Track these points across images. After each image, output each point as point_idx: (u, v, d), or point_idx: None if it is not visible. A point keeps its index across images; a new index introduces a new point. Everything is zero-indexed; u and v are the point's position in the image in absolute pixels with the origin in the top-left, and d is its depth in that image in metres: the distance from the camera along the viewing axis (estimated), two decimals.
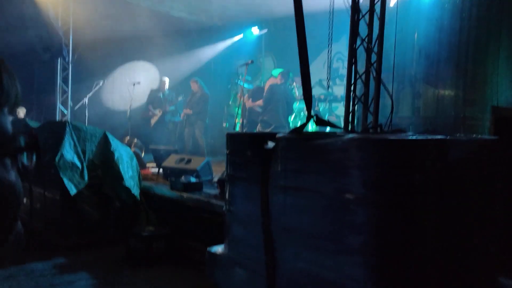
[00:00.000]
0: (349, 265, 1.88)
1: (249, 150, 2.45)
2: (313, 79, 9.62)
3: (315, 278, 2.00)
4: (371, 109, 4.39)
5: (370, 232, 1.82)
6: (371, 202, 1.81)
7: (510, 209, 1.97)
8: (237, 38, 11.71)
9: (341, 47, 8.76)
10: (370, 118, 4.42)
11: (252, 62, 6.85)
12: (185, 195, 5.06)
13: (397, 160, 1.79)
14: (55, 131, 5.11)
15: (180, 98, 9.42)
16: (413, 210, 1.78)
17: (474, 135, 2.19)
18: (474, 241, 2.00)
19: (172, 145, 8.09)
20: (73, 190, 4.81)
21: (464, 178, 1.90)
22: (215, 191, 5.19)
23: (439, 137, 1.88)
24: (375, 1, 4.18)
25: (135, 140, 7.78)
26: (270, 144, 2.32)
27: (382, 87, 4.28)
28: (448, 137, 1.88)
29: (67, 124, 5.07)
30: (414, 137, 1.91)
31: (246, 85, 8.46)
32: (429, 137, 1.91)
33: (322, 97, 9.02)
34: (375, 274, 1.84)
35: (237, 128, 7.46)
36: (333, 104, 9.23)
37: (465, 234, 1.94)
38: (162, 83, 9.44)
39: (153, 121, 9.15)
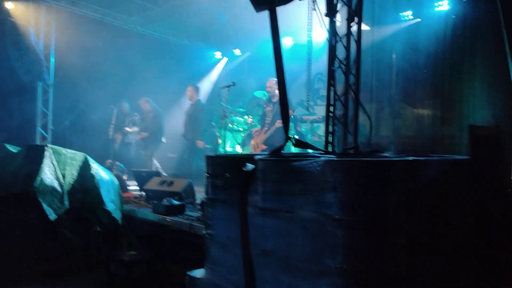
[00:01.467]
0: (327, 286, 1.89)
1: (228, 173, 2.46)
2: (295, 99, 9.68)
3: None
4: (351, 129, 4.45)
5: (347, 253, 1.84)
6: (346, 223, 1.83)
7: (483, 228, 2.01)
8: (220, 59, 11.88)
9: (322, 68, 8.90)
10: (350, 138, 4.48)
11: (233, 84, 6.91)
12: (167, 218, 5.03)
13: (370, 181, 1.82)
14: (34, 155, 5.05)
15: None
16: (386, 230, 1.80)
17: (446, 155, 2.25)
18: (449, 258, 2.03)
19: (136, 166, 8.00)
20: (52, 215, 4.74)
21: (436, 197, 1.94)
22: (197, 213, 5.16)
23: (410, 158, 1.92)
24: (351, 25, 4.28)
25: (117, 163, 7.73)
26: (249, 167, 2.34)
27: (360, 108, 4.35)
28: (420, 158, 1.93)
29: (46, 148, 5.02)
30: (387, 158, 1.95)
31: (228, 106, 8.50)
32: (402, 157, 1.95)
33: (304, 117, 9.12)
34: None
35: (220, 149, 7.48)
36: (315, 125, 9.31)
37: (440, 251, 1.97)
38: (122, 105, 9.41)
39: (117, 142, 9.12)
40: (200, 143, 8.49)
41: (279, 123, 7.24)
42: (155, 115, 9.12)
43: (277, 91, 7.26)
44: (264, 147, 7.40)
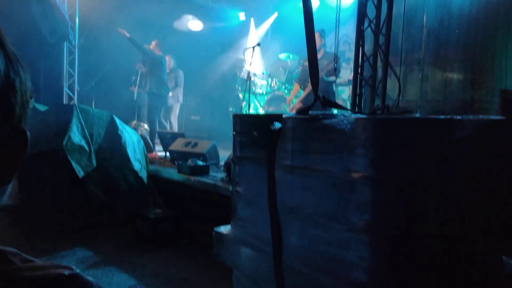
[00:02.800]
0: (354, 243, 1.90)
1: (255, 131, 2.46)
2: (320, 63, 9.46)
3: (320, 256, 2.02)
4: (378, 91, 4.37)
5: (375, 211, 1.83)
6: (376, 181, 1.82)
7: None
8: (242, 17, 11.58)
9: (348, 30, 8.69)
10: (377, 101, 4.40)
11: (259, 44, 6.81)
12: (192, 178, 5.10)
13: (403, 139, 1.79)
14: (62, 114, 5.15)
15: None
16: (418, 189, 1.79)
17: (481, 116, 2.19)
18: (478, 219, 2.00)
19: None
20: (81, 173, 4.86)
21: (469, 157, 1.90)
22: (221, 174, 5.22)
23: (444, 116, 1.88)
24: None
25: (142, 124, 7.82)
26: (277, 125, 2.32)
27: (389, 70, 4.25)
28: (453, 117, 1.88)
29: (74, 107, 5.10)
30: (420, 117, 1.91)
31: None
32: (435, 116, 1.91)
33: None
34: (380, 253, 1.86)
35: (244, 112, 7.47)
36: (340, 88, 9.18)
37: (470, 212, 1.95)
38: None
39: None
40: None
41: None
42: (176, 75, 9.13)
43: (320, 47, 6.82)
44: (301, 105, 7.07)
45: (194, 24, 11.09)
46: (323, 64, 6.78)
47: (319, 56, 6.92)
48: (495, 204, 2.12)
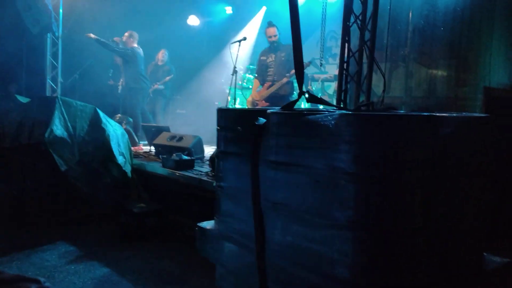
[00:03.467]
0: (338, 239, 1.90)
1: (240, 126, 2.44)
2: (307, 58, 9.49)
3: (304, 252, 2.02)
4: (364, 87, 4.39)
5: (359, 207, 1.84)
6: (360, 177, 1.82)
7: (497, 186, 1.99)
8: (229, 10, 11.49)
9: (335, 25, 8.69)
10: (363, 97, 4.42)
11: (244, 39, 6.77)
12: (176, 172, 5.07)
13: (387, 135, 1.79)
14: (44, 107, 5.06)
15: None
16: (402, 185, 1.79)
17: (465, 113, 2.20)
18: (461, 216, 2.02)
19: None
20: (63, 167, 4.80)
21: (453, 154, 1.91)
22: (206, 169, 5.20)
23: (428, 113, 1.88)
24: None
25: (127, 117, 7.73)
26: (261, 120, 2.31)
27: (375, 66, 4.26)
28: (438, 113, 1.89)
29: (57, 99, 5.02)
30: (404, 113, 1.91)
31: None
32: (420, 113, 1.92)
33: (316, 76, 8.98)
34: (362, 249, 1.86)
35: (230, 106, 7.43)
36: (326, 83, 9.19)
37: (453, 209, 1.96)
38: (159, 53, 9.22)
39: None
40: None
41: (287, 78, 6.64)
42: (169, 69, 9.09)
43: (277, 38, 6.65)
44: (265, 104, 6.81)
45: (193, 20, 11.05)
46: (280, 56, 6.67)
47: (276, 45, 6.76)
48: (478, 200, 2.14)
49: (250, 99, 7.22)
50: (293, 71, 6.38)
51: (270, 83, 6.82)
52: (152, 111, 8.83)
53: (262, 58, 7.02)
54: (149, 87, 8.27)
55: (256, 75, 7.23)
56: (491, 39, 5.65)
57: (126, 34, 7.85)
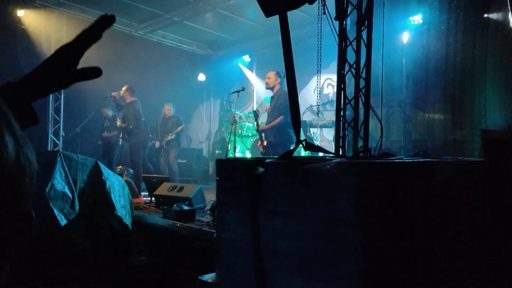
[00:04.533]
0: None
1: (239, 176, 2.45)
2: (305, 105, 9.59)
3: None
4: (362, 133, 4.43)
5: (360, 256, 1.81)
6: (360, 225, 1.81)
7: (496, 230, 1.98)
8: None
9: (332, 73, 8.90)
10: (361, 143, 4.45)
11: (243, 89, 6.91)
12: (177, 223, 5.02)
13: (384, 183, 1.80)
14: (46, 161, 5.09)
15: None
16: (401, 233, 1.78)
17: (461, 158, 2.22)
18: (463, 261, 1.99)
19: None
20: (63, 221, 4.76)
21: (451, 199, 1.91)
22: (208, 218, 5.16)
23: (425, 159, 1.90)
24: (362, 28, 4.27)
25: (127, 169, 7.75)
26: (260, 170, 2.32)
27: (371, 112, 4.32)
28: (434, 160, 1.90)
29: (58, 154, 5.06)
30: (401, 160, 1.93)
31: (238, 112, 8.52)
32: (416, 159, 1.93)
33: (314, 122, 9.07)
34: None
35: (230, 155, 7.47)
36: (325, 130, 9.29)
37: (455, 255, 1.94)
38: (165, 108, 9.41)
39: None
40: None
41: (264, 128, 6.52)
42: (176, 121, 9.23)
43: (274, 84, 6.50)
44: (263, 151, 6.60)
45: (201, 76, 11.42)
46: (272, 104, 6.52)
47: (274, 92, 6.64)
48: (479, 244, 2.12)
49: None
50: (276, 120, 6.36)
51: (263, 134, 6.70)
52: (166, 161, 8.94)
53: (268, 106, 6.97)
54: (148, 138, 8.35)
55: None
56: (485, 81, 5.77)
57: (124, 88, 7.99)
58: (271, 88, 6.63)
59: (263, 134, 6.61)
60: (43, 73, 0.87)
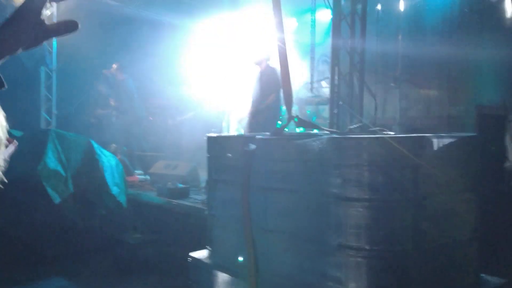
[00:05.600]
0: (330, 265, 1.87)
1: (230, 153, 2.43)
2: (300, 82, 9.48)
3: (296, 281, 1.98)
4: (356, 110, 4.41)
5: (350, 231, 1.81)
6: (351, 200, 1.80)
7: (487, 202, 1.97)
8: None
9: (327, 49, 8.80)
10: (355, 119, 4.43)
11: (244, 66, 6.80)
12: (172, 201, 5.02)
13: (375, 158, 1.78)
14: (38, 140, 5.04)
15: None
16: (392, 206, 1.77)
17: (454, 133, 2.20)
18: (455, 236, 1.99)
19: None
20: (57, 199, 4.75)
21: (442, 173, 1.90)
22: (202, 196, 5.15)
23: (418, 134, 1.88)
24: (357, 3, 4.20)
25: (121, 147, 7.71)
26: (251, 146, 2.30)
27: (365, 88, 4.30)
28: (426, 134, 1.88)
29: (50, 132, 5.01)
30: (393, 135, 1.91)
31: None
32: (409, 135, 1.91)
33: (309, 100, 9.00)
34: (355, 274, 1.82)
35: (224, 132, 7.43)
36: (320, 107, 9.23)
37: (446, 228, 1.94)
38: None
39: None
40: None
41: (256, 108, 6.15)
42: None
43: (261, 61, 6.63)
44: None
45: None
46: (262, 80, 6.42)
47: (261, 69, 6.66)
48: (470, 218, 2.12)
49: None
50: (271, 100, 6.25)
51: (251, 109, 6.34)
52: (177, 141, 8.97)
53: (254, 82, 6.87)
54: (143, 115, 8.29)
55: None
56: (481, 57, 5.71)
57: (114, 66, 7.88)
58: (258, 64, 6.49)
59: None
60: (8, 31, 0.83)
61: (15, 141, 0.85)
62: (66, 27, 0.86)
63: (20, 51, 0.85)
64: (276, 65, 6.48)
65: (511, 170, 3.92)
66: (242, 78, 6.60)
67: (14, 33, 0.82)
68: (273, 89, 6.20)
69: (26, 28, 0.83)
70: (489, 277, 2.19)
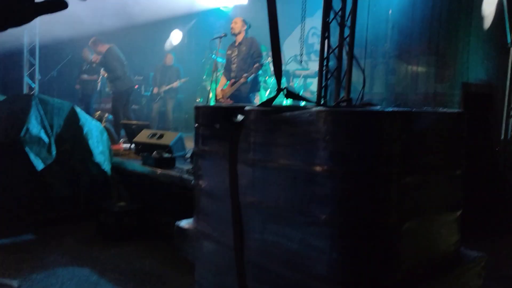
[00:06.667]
0: (315, 236, 1.89)
1: (217, 123, 2.41)
2: (289, 54, 9.43)
3: (282, 250, 2.01)
4: (344, 84, 4.40)
5: (336, 203, 1.83)
6: (337, 173, 1.82)
7: (471, 180, 2.02)
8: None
9: (317, 22, 8.71)
10: (343, 93, 4.43)
11: (225, 35, 6.71)
12: (157, 170, 5.01)
13: (362, 131, 1.79)
14: (20, 105, 4.95)
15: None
16: (378, 181, 1.79)
17: (440, 109, 2.22)
18: (436, 210, 2.03)
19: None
20: (40, 165, 4.70)
21: (428, 149, 1.92)
22: (187, 166, 5.16)
23: (403, 109, 1.89)
24: None
25: (106, 114, 7.63)
26: (239, 117, 2.29)
27: (354, 63, 4.28)
28: (412, 109, 1.89)
29: (33, 97, 4.91)
30: (380, 109, 1.91)
31: (219, 59, 8.34)
32: (395, 109, 1.92)
33: (297, 72, 8.97)
34: (341, 245, 1.86)
35: (212, 103, 7.38)
36: (308, 80, 9.20)
37: (429, 203, 1.98)
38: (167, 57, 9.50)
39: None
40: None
41: (244, 78, 6.26)
42: (178, 70, 9.36)
43: (240, 31, 6.36)
44: (229, 101, 6.41)
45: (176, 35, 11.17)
46: (241, 50, 6.38)
47: (239, 39, 6.48)
48: (452, 194, 2.16)
49: (218, 91, 6.75)
50: (253, 68, 6.30)
51: (233, 80, 6.45)
52: (160, 109, 9.08)
53: (228, 52, 6.67)
54: (133, 84, 8.19)
55: (224, 71, 6.82)
56: (469, 36, 5.72)
57: (92, 40, 7.70)
58: (236, 34, 6.48)
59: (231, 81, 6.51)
60: None
61: None
62: (55, 5, 0.85)
63: (8, 27, 0.84)
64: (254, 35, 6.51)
65: (493, 148, 4.00)
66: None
67: (2, 9, 0.80)
68: (257, 59, 6.27)
69: (14, 5, 0.82)
70: (468, 250, 2.26)
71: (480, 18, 5.61)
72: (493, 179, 4.36)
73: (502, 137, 5.14)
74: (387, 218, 1.82)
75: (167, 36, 11.22)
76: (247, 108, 2.26)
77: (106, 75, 8.01)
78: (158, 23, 10.39)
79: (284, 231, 2.00)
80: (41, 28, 8.40)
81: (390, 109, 1.91)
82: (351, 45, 4.12)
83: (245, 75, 6.25)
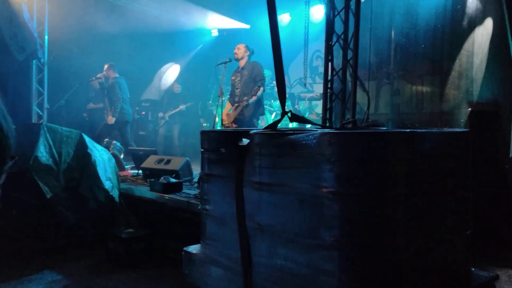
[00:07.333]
0: (323, 260, 1.88)
1: (223, 147, 2.43)
2: (294, 77, 9.47)
3: (290, 275, 1.99)
4: (349, 105, 4.41)
5: (344, 226, 1.82)
6: (343, 196, 1.81)
7: (479, 199, 1.99)
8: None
9: (320, 45, 8.80)
10: (348, 115, 4.44)
11: (230, 60, 6.79)
12: (165, 196, 5.02)
13: (367, 153, 1.79)
14: (29, 134, 5.01)
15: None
16: (383, 203, 1.78)
17: (445, 128, 2.22)
18: (446, 230, 2.01)
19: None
20: (49, 194, 4.72)
21: (435, 168, 1.91)
22: (195, 191, 5.15)
23: (409, 130, 1.89)
24: None
25: (114, 142, 7.68)
26: (244, 141, 2.30)
27: (358, 84, 4.30)
28: (418, 130, 1.89)
29: (41, 126, 4.97)
30: (385, 130, 1.92)
31: (225, 84, 8.44)
32: (401, 130, 1.92)
33: (302, 95, 9.03)
34: (349, 268, 1.84)
35: (217, 128, 7.42)
36: (313, 103, 9.24)
37: (437, 224, 1.96)
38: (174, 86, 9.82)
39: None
40: (110, 119, 7.94)
41: (245, 101, 6.35)
42: (185, 96, 9.59)
43: (243, 56, 6.55)
44: (234, 126, 6.43)
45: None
46: (244, 75, 6.52)
47: (241, 64, 6.63)
48: (460, 215, 2.14)
49: (224, 117, 6.82)
50: (254, 91, 6.40)
51: (236, 104, 6.57)
52: (166, 135, 9.16)
53: (232, 78, 6.85)
54: (131, 115, 8.38)
55: (229, 96, 6.96)
56: (472, 55, 5.74)
57: (106, 66, 7.91)
58: (239, 59, 6.65)
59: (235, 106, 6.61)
60: None
61: None
62: None
63: None
64: (258, 60, 6.69)
65: (502, 166, 3.97)
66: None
67: None
68: (259, 82, 6.40)
69: None
70: (479, 271, 2.22)
71: (483, 36, 5.64)
72: (503, 197, 4.31)
73: (511, 154, 5.10)
74: (395, 239, 1.80)
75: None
76: (252, 132, 2.28)
77: (106, 104, 8.16)
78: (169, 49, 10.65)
79: (292, 255, 1.99)
80: (50, 58, 8.57)
81: (394, 130, 1.91)
82: (355, 67, 4.15)
83: (245, 98, 6.34)
